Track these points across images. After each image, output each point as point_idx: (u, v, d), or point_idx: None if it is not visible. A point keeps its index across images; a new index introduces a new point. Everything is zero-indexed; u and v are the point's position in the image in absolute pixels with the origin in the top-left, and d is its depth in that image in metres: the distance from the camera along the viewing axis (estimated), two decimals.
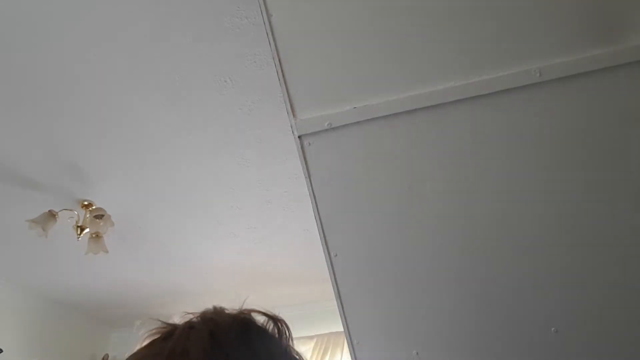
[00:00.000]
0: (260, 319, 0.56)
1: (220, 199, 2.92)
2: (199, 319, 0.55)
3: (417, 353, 1.16)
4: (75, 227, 2.81)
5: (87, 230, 2.82)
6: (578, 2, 0.95)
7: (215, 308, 0.57)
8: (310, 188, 1.11)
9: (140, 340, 0.57)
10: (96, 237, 2.88)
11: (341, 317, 1.19)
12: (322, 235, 1.14)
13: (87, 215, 2.83)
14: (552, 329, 1.10)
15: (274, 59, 1.04)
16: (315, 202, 1.11)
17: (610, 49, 0.95)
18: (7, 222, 2.98)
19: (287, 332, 0.56)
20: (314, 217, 1.13)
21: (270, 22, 1.03)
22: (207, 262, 3.59)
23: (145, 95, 2.21)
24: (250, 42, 1.98)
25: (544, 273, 1.10)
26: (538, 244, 1.09)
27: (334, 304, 1.19)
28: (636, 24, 0.94)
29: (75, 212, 2.82)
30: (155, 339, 0.54)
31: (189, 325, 0.53)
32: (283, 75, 1.05)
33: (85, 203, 2.85)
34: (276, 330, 0.56)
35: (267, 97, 2.24)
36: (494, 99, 1.00)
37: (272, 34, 1.03)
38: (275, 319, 0.57)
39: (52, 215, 2.71)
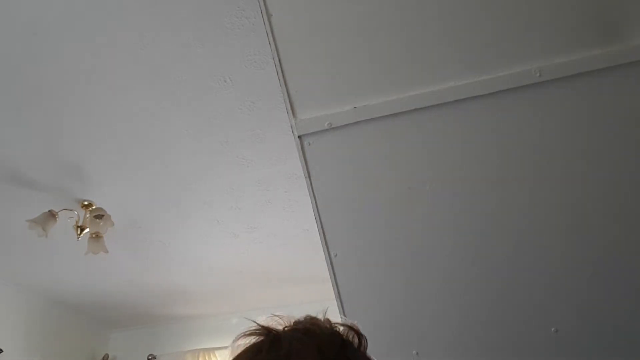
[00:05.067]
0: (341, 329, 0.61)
1: (220, 199, 2.92)
2: (299, 330, 0.59)
3: (417, 353, 1.16)
4: (75, 227, 2.81)
5: (87, 230, 2.82)
6: (578, 2, 0.95)
7: (310, 318, 0.62)
8: (310, 188, 1.11)
9: (237, 341, 0.59)
10: (96, 237, 2.88)
11: (341, 317, 1.18)
12: (322, 235, 1.14)
13: (87, 215, 2.83)
14: (552, 329, 1.10)
15: (274, 59, 1.04)
16: (315, 202, 1.11)
17: (610, 49, 0.95)
18: (7, 222, 2.98)
19: (365, 342, 0.61)
20: (314, 217, 1.13)
21: (270, 22, 1.03)
22: (207, 262, 3.59)
23: (145, 96, 2.21)
24: (250, 42, 1.98)
25: (544, 273, 1.10)
26: (538, 244, 1.09)
27: (333, 303, 1.19)
28: (636, 24, 0.94)
29: (75, 212, 2.82)
30: (256, 345, 0.58)
31: (294, 338, 0.57)
32: (283, 75, 1.05)
33: (85, 203, 2.85)
34: (357, 341, 0.60)
35: (267, 97, 2.24)
36: (494, 99, 1.00)
37: (272, 34, 1.03)
38: (356, 331, 0.61)
39: (52, 215, 2.71)
